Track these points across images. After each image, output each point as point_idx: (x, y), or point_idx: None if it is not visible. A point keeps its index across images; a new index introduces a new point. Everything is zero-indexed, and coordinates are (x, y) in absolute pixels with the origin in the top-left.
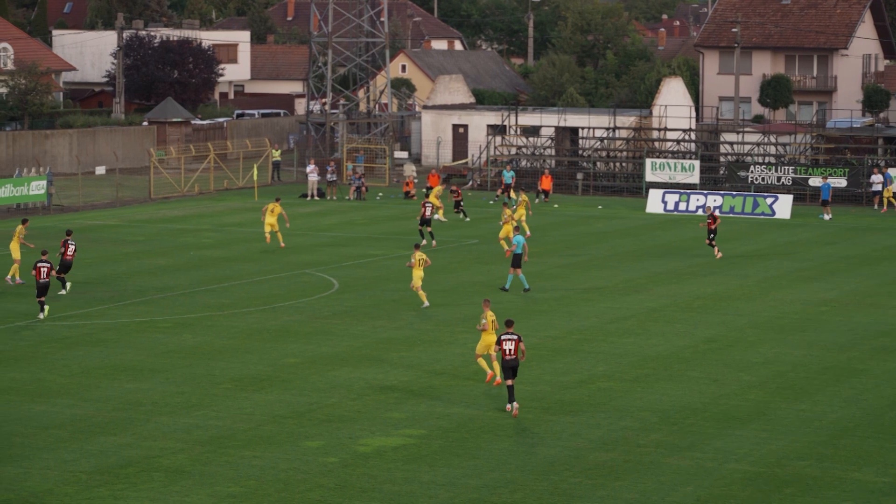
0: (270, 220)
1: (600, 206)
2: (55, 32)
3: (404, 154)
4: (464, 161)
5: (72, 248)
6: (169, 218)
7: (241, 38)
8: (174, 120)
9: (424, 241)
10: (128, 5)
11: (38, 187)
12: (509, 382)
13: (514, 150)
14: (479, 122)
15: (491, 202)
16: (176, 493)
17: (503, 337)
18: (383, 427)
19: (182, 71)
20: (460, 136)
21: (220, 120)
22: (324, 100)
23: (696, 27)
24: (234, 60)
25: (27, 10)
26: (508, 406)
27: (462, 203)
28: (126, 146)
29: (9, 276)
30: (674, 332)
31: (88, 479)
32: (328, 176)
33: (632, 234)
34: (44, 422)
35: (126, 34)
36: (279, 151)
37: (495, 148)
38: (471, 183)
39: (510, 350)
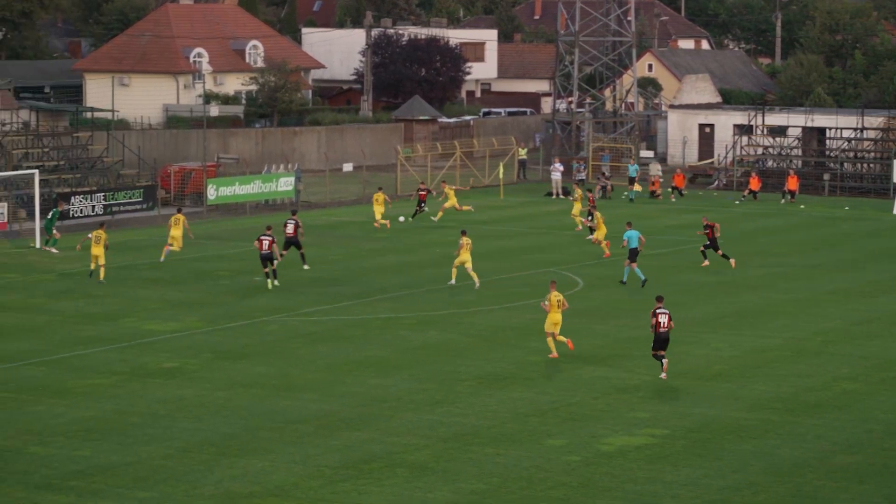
0: (379, 209)
1: (847, 207)
2: (304, 30)
3: (650, 153)
4: (709, 161)
5: (290, 226)
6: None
7: (489, 36)
8: (421, 118)
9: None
10: (376, 4)
11: (286, 184)
12: (661, 353)
13: (760, 150)
14: (725, 122)
15: (737, 202)
16: (419, 490)
17: (658, 311)
18: (626, 426)
19: (429, 69)
20: (706, 135)
21: (467, 118)
22: (570, 98)
23: None
24: (480, 59)
25: (277, 9)
26: (663, 375)
27: (424, 204)
28: (373, 143)
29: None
30: None
31: (333, 474)
32: (576, 175)
33: (879, 235)
34: (289, 416)
35: (374, 32)
36: (525, 150)
37: (741, 148)
38: (716, 183)
39: (664, 323)
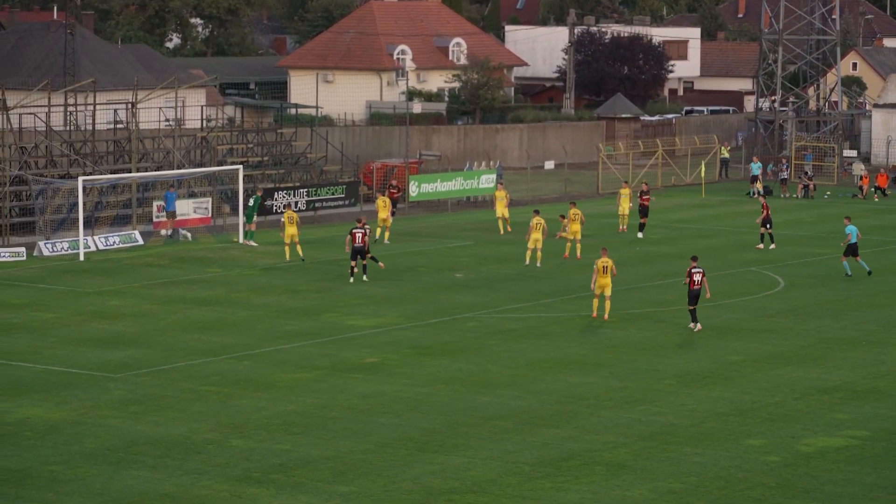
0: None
1: None
2: (507, 28)
3: (853, 153)
4: None
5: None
6: (615, 213)
7: (692, 34)
8: (623, 116)
9: (761, 245)
10: (580, 1)
11: (487, 181)
12: (691, 307)
13: None
14: None
15: None
16: (617, 487)
17: (693, 270)
18: (826, 427)
19: (632, 67)
20: None
21: (669, 116)
22: (773, 97)
23: None
24: (683, 57)
25: (480, 6)
26: (691, 324)
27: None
28: (575, 141)
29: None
30: None
31: (531, 471)
32: (780, 175)
33: None
34: (488, 412)
35: (577, 30)
36: (727, 149)
37: None
38: None
39: (697, 281)
